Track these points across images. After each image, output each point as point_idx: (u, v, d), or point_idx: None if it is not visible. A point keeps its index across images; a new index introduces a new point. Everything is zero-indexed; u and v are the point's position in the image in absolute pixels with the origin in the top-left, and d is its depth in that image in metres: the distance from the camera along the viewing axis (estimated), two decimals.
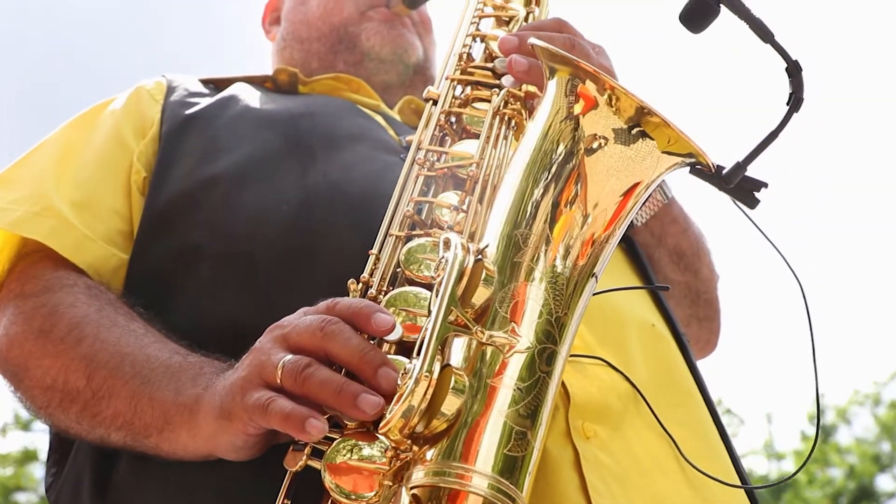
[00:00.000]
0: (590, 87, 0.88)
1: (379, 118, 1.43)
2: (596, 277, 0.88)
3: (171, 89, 1.43)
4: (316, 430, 0.79)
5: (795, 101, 0.88)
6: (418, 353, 0.77)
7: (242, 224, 1.19)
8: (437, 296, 0.80)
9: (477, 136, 1.12)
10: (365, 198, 1.16)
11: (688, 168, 0.94)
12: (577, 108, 0.88)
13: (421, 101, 1.63)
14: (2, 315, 1.18)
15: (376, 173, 1.21)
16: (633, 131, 0.87)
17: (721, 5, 0.89)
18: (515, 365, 0.79)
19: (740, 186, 0.90)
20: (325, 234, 1.15)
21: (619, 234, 0.89)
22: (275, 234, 1.16)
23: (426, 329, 0.77)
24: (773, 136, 0.89)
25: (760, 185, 0.91)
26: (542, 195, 0.87)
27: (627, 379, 1.07)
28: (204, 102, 1.40)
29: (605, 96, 0.87)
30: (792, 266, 1.02)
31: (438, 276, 0.82)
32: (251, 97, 1.42)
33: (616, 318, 1.15)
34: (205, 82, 1.51)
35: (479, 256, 0.84)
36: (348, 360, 0.83)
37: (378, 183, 1.17)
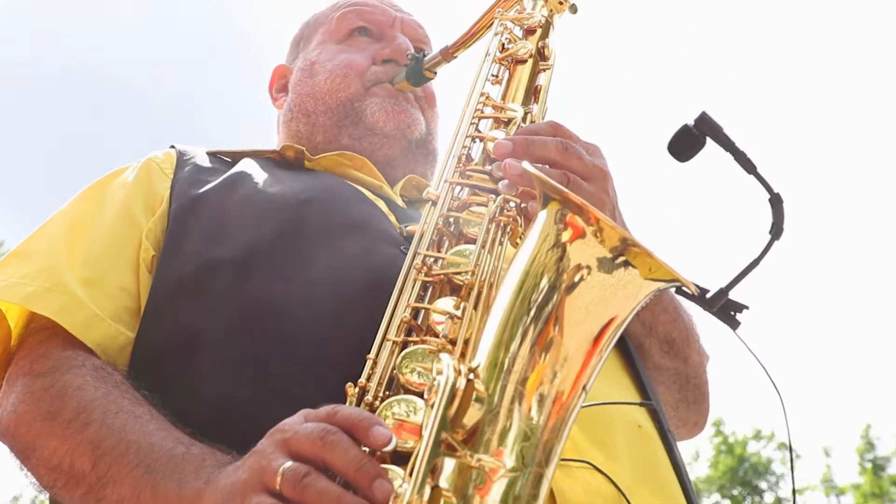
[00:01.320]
0: (577, 218, 0.92)
1: (382, 204, 1.48)
2: (586, 391, 0.91)
3: (180, 163, 1.48)
4: None
5: (777, 231, 0.92)
6: (410, 474, 0.80)
7: (244, 313, 1.23)
8: (429, 418, 0.83)
9: (474, 241, 1.16)
10: (365, 293, 1.21)
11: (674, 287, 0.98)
12: (565, 237, 0.93)
13: (422, 179, 1.68)
14: (10, 391, 1.23)
15: (377, 268, 1.25)
16: (617, 260, 0.91)
17: (707, 137, 0.94)
18: (502, 488, 0.82)
19: (724, 308, 0.94)
20: (324, 328, 1.19)
21: (606, 353, 0.93)
22: (274, 324, 1.20)
23: (418, 452, 0.81)
24: (754, 263, 0.93)
25: (742, 307, 0.95)
26: (531, 318, 0.92)
27: (613, 482, 1.10)
28: (212, 181, 1.44)
29: (592, 228, 0.92)
30: (771, 376, 1.06)
31: (431, 398, 0.85)
32: (258, 177, 1.46)
33: (605, 419, 1.18)
34: (213, 155, 1.56)
35: (472, 376, 0.87)
36: (345, 471, 0.86)
37: (379, 278, 1.22)
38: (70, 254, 1.33)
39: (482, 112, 1.35)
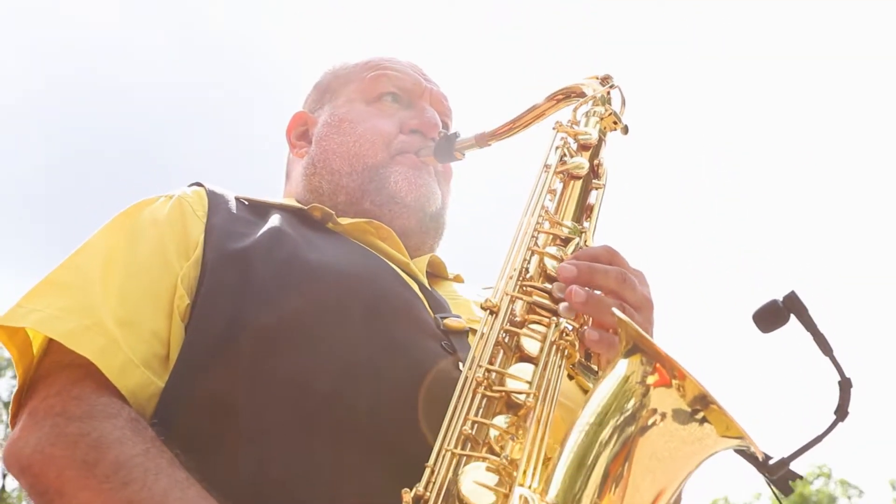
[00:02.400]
0: (662, 369, 0.97)
1: (415, 287, 1.50)
2: None
3: (213, 206, 1.47)
4: None
5: (842, 413, 0.98)
6: None
7: (280, 387, 1.23)
8: None
9: (530, 360, 1.19)
10: (407, 387, 1.23)
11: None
12: (648, 385, 0.97)
13: (437, 258, 1.71)
14: (37, 429, 1.20)
15: (420, 362, 1.27)
16: (697, 415, 0.96)
17: (791, 315, 0.99)
18: None
19: (781, 477, 0.99)
20: (363, 416, 1.20)
21: (671, 500, 0.97)
22: (311, 404, 1.20)
23: None
24: (818, 439, 0.98)
25: (797, 476, 1.00)
26: (605, 461, 0.95)
27: None
28: (248, 235, 1.43)
29: (676, 381, 0.96)
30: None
31: None
32: (295, 239, 1.46)
33: None
34: (242, 202, 1.55)
35: None
36: None
37: (421, 373, 1.25)
38: (105, 290, 1.31)
39: (541, 226, 1.39)
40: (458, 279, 1.77)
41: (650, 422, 0.95)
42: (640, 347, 0.99)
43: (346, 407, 1.21)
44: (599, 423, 0.97)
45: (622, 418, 0.96)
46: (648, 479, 0.94)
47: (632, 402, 0.97)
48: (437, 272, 1.74)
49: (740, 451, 1.02)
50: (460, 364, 1.31)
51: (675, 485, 0.97)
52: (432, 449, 1.09)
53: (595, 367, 1.31)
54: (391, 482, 1.05)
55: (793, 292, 1.00)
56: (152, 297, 1.32)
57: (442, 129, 1.79)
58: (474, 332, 1.42)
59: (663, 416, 0.95)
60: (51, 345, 1.29)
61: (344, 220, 1.62)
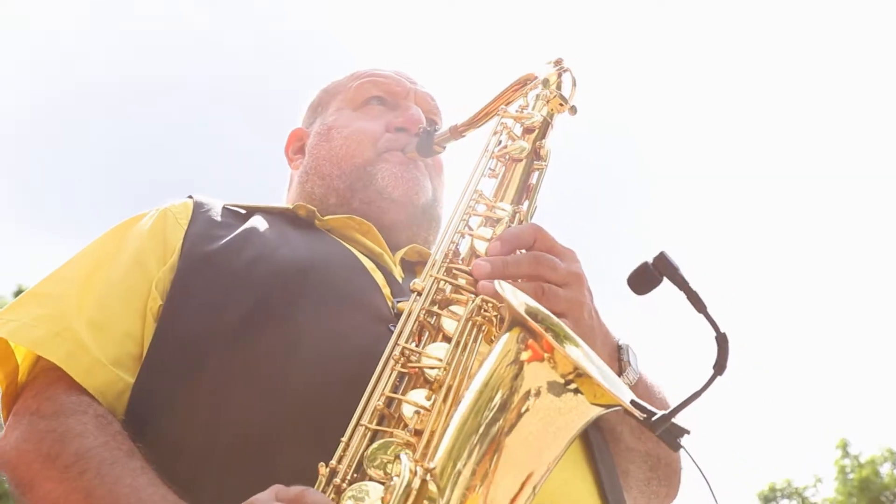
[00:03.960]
0: (535, 344, 1.03)
1: (380, 277, 1.57)
2: (535, 492, 1.01)
3: (196, 215, 1.58)
4: None
5: (720, 368, 1.01)
6: None
7: (234, 382, 1.33)
8: None
9: (449, 339, 1.25)
10: (350, 372, 1.31)
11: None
12: (524, 358, 1.03)
13: (424, 248, 1.78)
14: (16, 427, 1.34)
15: (363, 347, 1.35)
16: (569, 385, 1.01)
17: (663, 276, 1.03)
18: None
19: (666, 432, 1.03)
20: (308, 404, 1.28)
21: (551, 467, 1.03)
22: (262, 398, 1.30)
23: None
24: (696, 395, 1.02)
25: (683, 432, 1.04)
26: (485, 428, 1.02)
27: None
28: (223, 238, 1.54)
29: (547, 354, 1.02)
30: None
31: (387, 498, 0.95)
32: (267, 238, 1.56)
33: None
34: (229, 209, 1.65)
35: (428, 477, 0.97)
36: None
37: (364, 358, 1.32)
38: (81, 297, 1.43)
39: (474, 209, 1.45)
40: None
41: (529, 392, 1.00)
42: (518, 319, 1.04)
43: (290, 396, 1.29)
44: (483, 393, 1.04)
45: (503, 389, 1.02)
46: (531, 438, 0.99)
47: (510, 376, 1.03)
48: (425, 260, 1.80)
49: (631, 414, 1.06)
50: None
51: (559, 446, 1.02)
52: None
53: None
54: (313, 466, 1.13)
55: (662, 253, 1.03)
56: (127, 301, 1.45)
57: (427, 125, 1.86)
58: None
59: (539, 389, 1.00)
60: (31, 352, 1.42)
61: (327, 217, 1.71)
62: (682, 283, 1.03)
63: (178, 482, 1.21)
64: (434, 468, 0.99)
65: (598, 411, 1.02)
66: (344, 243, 1.66)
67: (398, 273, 1.65)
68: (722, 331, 1.02)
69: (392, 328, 1.41)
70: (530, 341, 1.02)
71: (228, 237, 1.54)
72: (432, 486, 0.95)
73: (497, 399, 1.02)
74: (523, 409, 1.00)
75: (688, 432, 1.05)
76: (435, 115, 1.97)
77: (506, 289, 1.10)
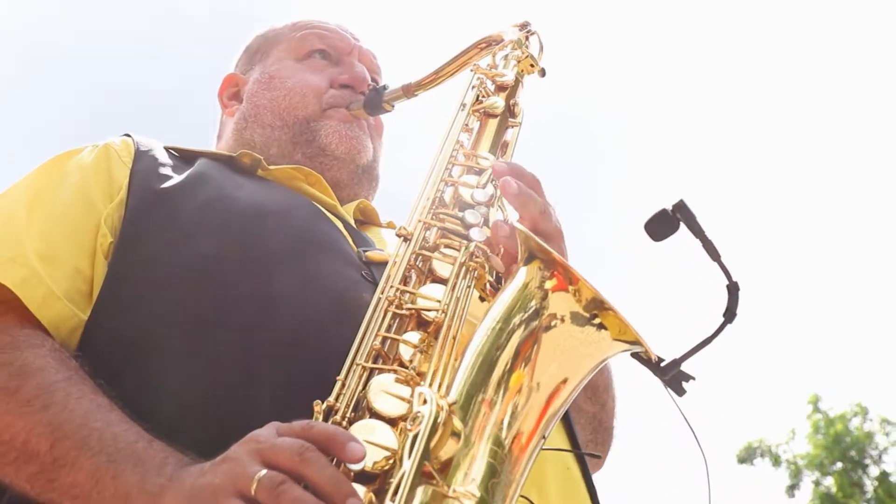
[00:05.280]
0: (559, 276, 1.01)
1: (339, 225, 1.53)
2: (545, 437, 0.99)
3: (139, 154, 1.49)
4: None
5: (730, 315, 1.03)
6: (393, 497, 0.86)
7: (202, 322, 1.25)
8: (410, 447, 0.90)
9: (442, 281, 1.23)
10: (331, 314, 1.26)
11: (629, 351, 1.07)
12: (545, 292, 1.01)
13: (369, 204, 1.75)
14: None
15: (341, 291, 1.31)
16: (594, 319, 1.00)
17: (681, 223, 1.04)
18: None
19: (674, 377, 1.04)
20: (287, 345, 1.23)
21: (568, 402, 1.02)
22: (234, 337, 1.23)
23: (402, 479, 0.87)
24: (707, 341, 1.03)
25: (689, 378, 1.05)
26: (505, 363, 1.00)
27: None
28: (173, 178, 1.46)
29: (572, 286, 1.00)
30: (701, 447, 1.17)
31: (414, 428, 0.91)
32: (219, 181, 1.49)
33: (539, 459, 1.27)
34: (170, 151, 1.57)
35: (450, 412, 0.94)
36: (322, 486, 0.90)
37: (343, 301, 1.28)
38: (28, 226, 1.32)
39: (456, 159, 1.43)
40: (390, 226, 1.80)
41: (550, 323, 0.99)
42: (537, 255, 1.03)
43: (267, 338, 1.23)
44: (501, 326, 1.01)
45: (522, 321, 1.00)
46: (551, 370, 0.98)
47: (532, 306, 1.01)
48: (368, 219, 1.77)
49: (636, 356, 1.07)
50: None
51: (578, 378, 1.01)
52: (318, 368, 1.12)
53: None
54: (299, 405, 1.09)
55: (681, 200, 1.04)
56: (74, 235, 1.34)
57: (371, 83, 1.82)
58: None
59: (562, 318, 0.99)
60: None
61: (273, 167, 1.65)
62: (698, 231, 1.04)
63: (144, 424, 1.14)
64: (454, 403, 0.96)
65: (621, 348, 1.01)
66: (296, 192, 1.61)
67: (353, 224, 1.62)
68: (734, 279, 1.04)
69: (365, 275, 1.38)
70: (554, 272, 1.00)
71: (179, 177, 1.47)
72: (456, 421, 0.93)
73: (516, 330, 1.00)
74: (544, 340, 0.98)
75: (694, 378, 1.07)
76: (377, 74, 1.94)
77: (516, 223, 1.09)
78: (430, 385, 1.06)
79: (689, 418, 1.12)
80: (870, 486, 17.50)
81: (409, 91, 1.76)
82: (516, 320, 1.01)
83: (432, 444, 0.90)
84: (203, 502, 0.94)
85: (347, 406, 1.06)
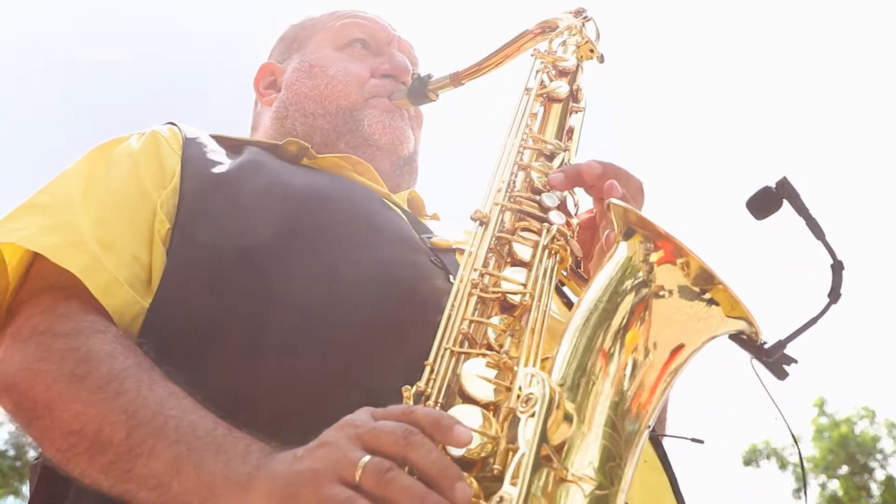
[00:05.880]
0: (665, 250, 0.97)
1: (398, 211, 1.50)
2: (651, 428, 0.96)
3: (186, 141, 1.45)
4: None
5: (835, 296, 0.99)
6: (512, 483, 0.82)
7: (271, 306, 1.21)
8: (525, 429, 0.86)
9: (522, 265, 1.19)
10: (403, 298, 1.23)
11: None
12: (654, 258, 0.97)
13: (418, 195, 1.72)
14: (20, 347, 1.17)
15: (412, 277, 1.28)
16: (704, 294, 0.96)
17: (784, 200, 1.01)
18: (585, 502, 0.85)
19: (777, 360, 1.01)
20: (359, 330, 1.19)
21: (675, 378, 0.98)
22: (304, 322, 1.19)
23: (521, 462, 0.83)
24: (812, 321, 1.00)
25: (792, 361, 1.01)
26: (611, 343, 0.95)
27: None
28: (226, 164, 1.42)
29: (681, 259, 0.97)
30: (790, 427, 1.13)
31: (527, 410, 0.88)
32: (274, 167, 1.45)
33: None
34: (217, 139, 1.54)
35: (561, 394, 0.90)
36: (428, 471, 0.86)
37: (415, 286, 1.25)
38: (85, 212, 1.28)
39: (526, 143, 1.40)
40: (435, 217, 1.77)
41: (659, 296, 0.95)
42: (639, 228, 0.99)
43: (335, 323, 1.20)
44: (605, 304, 0.97)
45: (628, 297, 0.96)
46: (662, 346, 0.94)
47: (637, 281, 0.97)
48: (415, 210, 1.74)
49: (735, 337, 1.03)
50: (451, 277, 1.31)
51: (689, 353, 0.97)
52: (430, 350, 1.08)
53: (585, 276, 1.33)
54: (379, 393, 1.04)
55: (784, 178, 1.01)
56: (130, 222, 1.30)
57: (415, 72, 1.79)
58: (461, 251, 1.43)
59: (670, 292, 0.95)
60: (34, 267, 1.26)
61: (320, 156, 1.62)
62: (802, 209, 1.01)
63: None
64: (561, 384, 0.92)
65: (732, 325, 0.97)
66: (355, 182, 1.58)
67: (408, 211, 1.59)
68: (838, 258, 1.01)
69: (434, 261, 1.35)
70: (659, 245, 0.96)
71: (232, 164, 1.43)
72: (567, 404, 0.89)
73: (622, 307, 0.96)
74: (654, 315, 0.94)
75: (796, 361, 1.03)
76: (415, 66, 1.90)
77: (622, 202, 1.05)
78: (525, 367, 1.02)
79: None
80: (876, 489, 17.43)
81: (456, 80, 1.73)
82: (621, 297, 0.97)
83: (548, 426, 0.87)
84: (302, 489, 0.89)
85: (439, 391, 1.03)
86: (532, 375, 0.90)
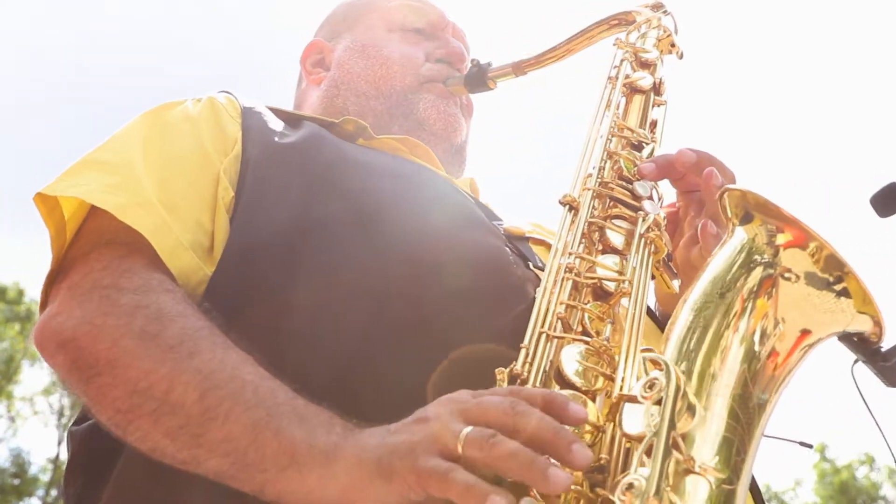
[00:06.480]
0: (793, 232, 0.92)
1: (468, 196, 1.45)
2: (768, 411, 0.90)
3: (245, 110, 1.39)
4: None
5: None
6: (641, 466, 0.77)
7: (339, 282, 1.15)
8: (648, 415, 0.81)
9: (615, 252, 1.14)
10: (485, 283, 1.17)
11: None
12: (781, 240, 0.92)
13: (476, 184, 1.67)
14: (81, 301, 1.09)
15: (493, 261, 1.22)
16: (835, 284, 0.91)
17: None
18: (720, 498, 0.79)
19: (891, 366, 0.95)
20: (446, 308, 1.13)
21: (795, 369, 0.93)
22: (386, 300, 1.13)
23: (652, 448, 0.77)
24: None
25: None
26: (732, 328, 0.90)
27: None
28: (288, 136, 1.36)
29: (812, 243, 0.91)
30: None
31: (650, 396, 0.82)
32: (337, 143, 1.40)
33: None
34: (276, 111, 1.49)
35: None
36: (542, 436, 0.80)
37: (496, 270, 1.20)
38: (147, 174, 1.22)
39: (613, 131, 1.35)
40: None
41: (785, 280, 0.89)
42: (761, 212, 0.94)
43: (408, 302, 1.13)
44: (722, 290, 0.91)
45: (749, 283, 0.91)
46: (789, 334, 0.88)
47: (762, 259, 0.91)
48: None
49: (844, 338, 0.97)
50: (530, 265, 1.26)
51: (816, 337, 0.92)
52: (489, 341, 1.05)
53: (675, 270, 1.28)
54: (452, 376, 0.99)
55: None
56: (193, 187, 1.24)
57: (475, 59, 1.74)
58: (534, 240, 1.38)
59: (797, 276, 0.89)
60: (90, 223, 1.20)
61: (381, 137, 1.56)
62: None
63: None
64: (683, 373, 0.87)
65: (862, 322, 0.92)
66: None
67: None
68: None
69: (509, 246, 1.30)
70: (785, 228, 0.91)
71: (294, 136, 1.37)
72: (690, 393, 0.84)
73: (742, 293, 0.90)
74: (780, 300, 0.88)
75: None
76: (467, 53, 1.86)
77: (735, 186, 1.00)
78: (625, 360, 0.97)
79: None
80: None
81: (519, 68, 1.68)
82: (743, 278, 0.91)
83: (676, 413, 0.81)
84: (396, 462, 0.83)
85: (536, 375, 0.97)
86: (652, 360, 0.85)
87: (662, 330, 1.03)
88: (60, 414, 20.37)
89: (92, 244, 1.17)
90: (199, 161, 1.27)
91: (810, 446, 1.14)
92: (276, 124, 1.40)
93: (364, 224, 1.22)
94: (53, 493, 19.38)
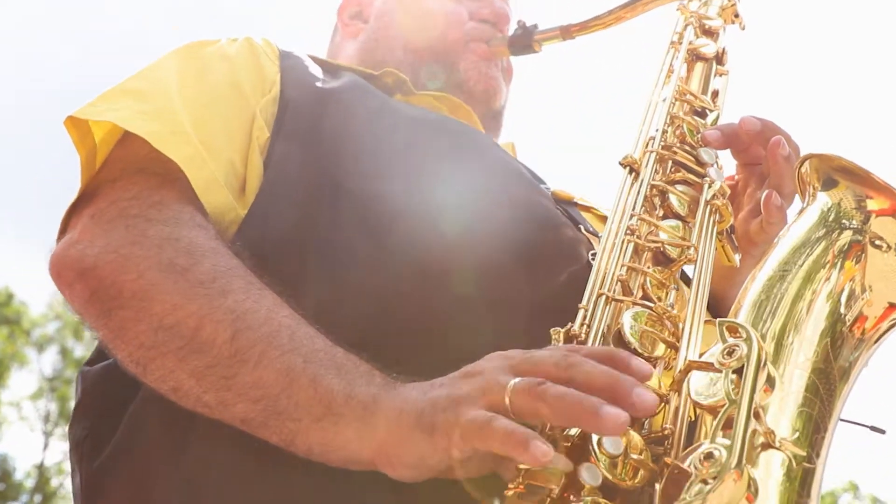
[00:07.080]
0: (885, 199, 0.86)
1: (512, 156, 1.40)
2: (842, 390, 0.84)
3: (283, 53, 1.34)
4: (540, 453, 0.71)
5: None
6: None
7: (379, 233, 1.08)
8: (727, 383, 0.75)
9: (677, 217, 1.08)
10: (541, 241, 1.12)
11: None
12: (872, 206, 0.86)
13: (514, 150, 1.60)
14: (105, 230, 1.02)
15: (546, 219, 1.18)
16: None
17: None
18: (797, 476, 0.73)
19: None
20: (475, 266, 1.06)
21: (878, 345, 0.87)
22: (433, 253, 1.07)
23: (737, 416, 0.71)
24: None
25: None
26: (813, 299, 0.84)
27: None
28: (329, 82, 1.30)
29: None
30: None
31: (728, 364, 0.76)
32: (378, 94, 1.34)
33: None
34: (314, 58, 1.42)
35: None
36: (600, 382, 0.75)
37: (550, 228, 1.16)
38: (183, 106, 1.15)
39: (678, 95, 1.28)
40: None
41: (875, 243, 0.83)
42: (847, 177, 0.88)
43: (457, 258, 1.07)
44: (803, 260, 0.85)
45: (834, 251, 0.85)
46: (875, 305, 0.82)
47: (851, 224, 0.85)
48: None
49: None
50: (581, 228, 1.21)
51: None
52: (542, 299, 1.02)
53: (736, 243, 1.22)
54: (497, 336, 0.93)
55: None
56: (227, 125, 1.17)
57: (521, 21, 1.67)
58: (581, 206, 1.32)
59: (889, 246, 0.83)
60: (120, 150, 1.13)
61: (420, 93, 1.50)
62: None
63: None
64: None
65: None
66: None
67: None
68: None
69: (558, 208, 1.24)
70: (875, 194, 0.85)
71: (335, 82, 1.31)
72: (771, 367, 0.77)
73: (826, 262, 0.84)
74: (868, 272, 0.83)
75: None
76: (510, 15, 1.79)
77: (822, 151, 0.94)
78: (690, 327, 0.91)
79: None
80: None
81: (567, 32, 1.61)
82: (826, 246, 0.86)
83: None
84: (440, 415, 0.78)
85: (595, 336, 0.91)
86: (729, 327, 0.79)
87: (708, 308, 0.97)
88: (46, 419, 20.21)
89: (120, 171, 1.10)
90: (235, 99, 1.21)
91: (883, 431, 1.08)
92: (316, 69, 1.35)
93: (405, 176, 1.16)
94: (37, 498, 19.40)
